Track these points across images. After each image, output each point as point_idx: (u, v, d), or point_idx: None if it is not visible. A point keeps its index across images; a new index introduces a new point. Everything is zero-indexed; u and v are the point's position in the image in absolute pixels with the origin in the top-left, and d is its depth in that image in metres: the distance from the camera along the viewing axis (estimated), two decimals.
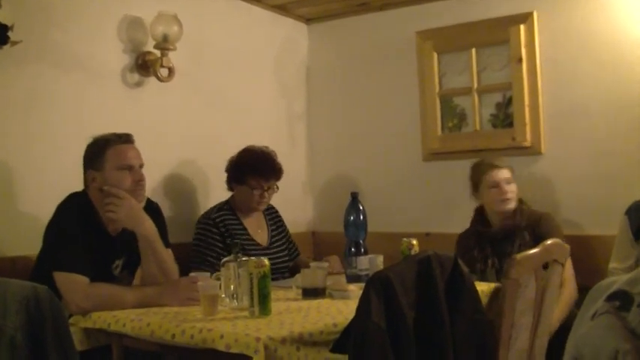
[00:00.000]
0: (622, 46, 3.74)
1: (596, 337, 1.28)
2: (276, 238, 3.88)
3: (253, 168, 3.68)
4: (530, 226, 3.58)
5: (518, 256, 2.71)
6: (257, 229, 3.81)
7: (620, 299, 1.31)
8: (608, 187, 3.78)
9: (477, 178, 3.70)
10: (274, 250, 3.79)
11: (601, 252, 3.56)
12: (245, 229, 3.74)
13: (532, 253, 2.79)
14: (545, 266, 2.91)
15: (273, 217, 3.95)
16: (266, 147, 3.81)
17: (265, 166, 3.70)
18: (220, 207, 3.75)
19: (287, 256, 3.88)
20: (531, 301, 2.80)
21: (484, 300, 2.81)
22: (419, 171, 4.45)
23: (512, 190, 3.63)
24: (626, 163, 3.72)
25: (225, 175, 3.81)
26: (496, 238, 3.63)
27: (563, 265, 3.00)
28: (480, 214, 3.76)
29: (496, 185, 3.62)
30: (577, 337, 1.33)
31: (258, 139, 3.92)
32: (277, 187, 3.77)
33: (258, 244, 3.75)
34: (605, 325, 1.29)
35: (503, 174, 3.64)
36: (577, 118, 3.89)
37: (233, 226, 3.70)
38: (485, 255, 3.64)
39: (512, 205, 3.62)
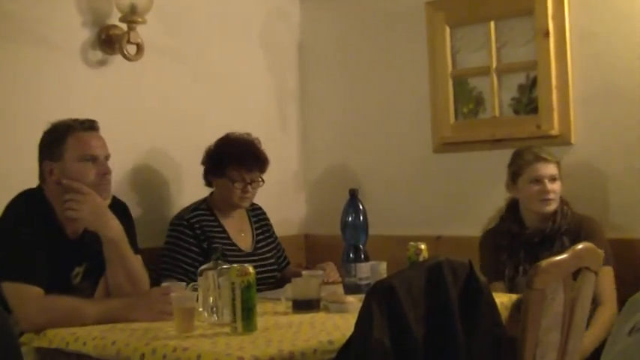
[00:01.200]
0: None
1: (635, 356, 1.29)
2: (262, 243, 3.88)
3: (234, 157, 3.69)
4: (571, 231, 3.58)
5: (544, 262, 2.71)
6: (239, 231, 3.82)
7: None
8: None
9: (518, 167, 3.67)
10: (259, 256, 3.79)
11: None
12: (225, 231, 3.75)
13: (560, 260, 2.80)
14: (575, 275, 2.92)
15: (258, 218, 3.95)
16: (248, 134, 3.81)
17: (247, 155, 3.71)
18: (196, 206, 3.75)
19: (274, 264, 3.88)
20: (559, 315, 2.81)
21: (504, 313, 2.83)
22: (429, 164, 4.45)
23: (555, 189, 3.61)
24: None
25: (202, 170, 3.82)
26: (532, 241, 3.63)
27: (596, 273, 3.01)
28: (513, 209, 3.74)
29: (539, 181, 3.61)
30: (612, 355, 1.33)
31: (243, 123, 3.93)
32: (262, 181, 3.77)
33: (241, 250, 3.75)
34: None
35: (550, 169, 3.63)
36: (614, 102, 3.89)
37: (211, 228, 3.70)
38: (516, 260, 3.64)
39: (552, 206, 3.61)
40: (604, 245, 3.38)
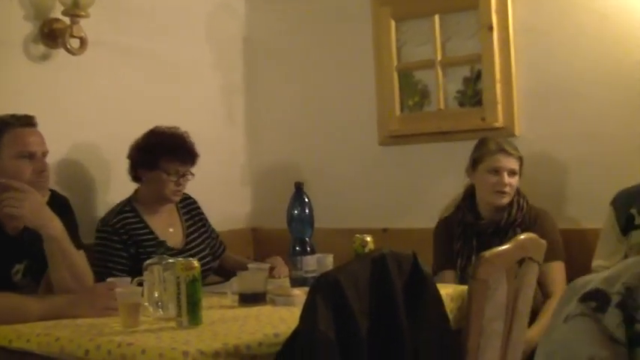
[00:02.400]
0: (609, 14, 3.78)
1: (570, 342, 1.31)
2: (194, 236, 3.81)
3: (167, 149, 3.64)
4: (525, 223, 3.61)
5: (487, 253, 2.75)
6: (167, 228, 3.73)
7: (597, 299, 1.34)
8: (594, 174, 3.82)
9: (480, 155, 3.69)
10: (192, 252, 3.71)
11: (591, 248, 3.55)
12: (152, 232, 3.65)
13: (503, 250, 2.83)
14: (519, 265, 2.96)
15: (189, 209, 3.88)
16: (176, 127, 3.75)
17: (181, 148, 3.68)
18: (120, 209, 3.67)
19: (210, 256, 3.84)
20: (503, 305, 2.84)
21: (450, 305, 2.85)
22: (375, 157, 4.47)
23: (512, 183, 3.64)
24: (614, 147, 3.77)
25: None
26: (485, 232, 3.66)
27: (539, 263, 3.05)
28: (469, 199, 3.76)
29: (497, 172, 3.63)
30: (548, 343, 1.36)
31: (190, 118, 3.93)
32: (192, 175, 3.74)
33: (170, 248, 3.66)
34: (579, 329, 1.31)
35: (510, 163, 3.65)
36: (556, 95, 3.94)
37: (136, 230, 3.62)
38: (469, 250, 3.67)
39: (506, 199, 3.63)
40: (556, 240, 3.44)
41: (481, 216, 3.71)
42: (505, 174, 3.63)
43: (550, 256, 3.27)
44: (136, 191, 3.74)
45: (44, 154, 3.04)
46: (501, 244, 3.31)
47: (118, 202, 3.72)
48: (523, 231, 3.52)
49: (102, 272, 3.42)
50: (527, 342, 3.13)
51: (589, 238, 3.66)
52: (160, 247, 2.87)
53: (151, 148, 3.67)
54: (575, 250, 3.70)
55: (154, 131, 3.73)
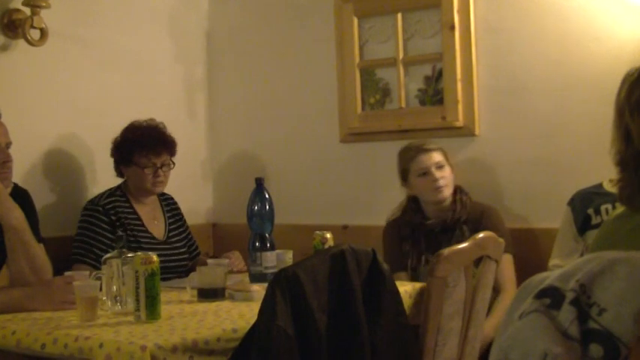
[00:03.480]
0: (569, 16, 3.82)
1: (524, 339, 1.33)
2: (175, 232, 3.89)
3: (140, 143, 3.68)
4: (471, 220, 3.65)
5: (446, 251, 2.77)
6: (153, 219, 3.82)
7: (551, 296, 1.36)
8: (553, 174, 3.85)
9: (405, 165, 3.75)
10: (172, 245, 3.82)
11: (549, 247, 3.62)
12: (140, 218, 3.75)
13: (461, 248, 2.86)
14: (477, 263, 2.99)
15: (170, 207, 3.96)
16: (152, 119, 3.80)
17: (153, 139, 3.71)
18: (111, 192, 3.75)
19: (186, 253, 3.89)
20: (460, 302, 2.87)
21: (408, 302, 2.87)
22: (335, 154, 4.48)
23: (445, 175, 3.68)
24: (572, 148, 3.81)
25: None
26: (433, 231, 3.69)
27: (497, 261, 3.09)
28: (414, 201, 3.80)
29: (426, 172, 3.67)
30: (504, 339, 1.38)
31: (151, 111, 3.91)
32: (173, 163, 3.78)
33: (154, 237, 3.75)
34: (533, 325, 1.33)
35: (434, 158, 3.69)
36: (517, 95, 3.97)
37: (125, 214, 3.70)
38: (419, 250, 3.70)
39: (446, 192, 3.67)
40: (504, 233, 3.46)
41: (427, 217, 3.75)
42: (434, 170, 3.68)
43: None
44: (124, 182, 3.82)
45: (7, 145, 3.02)
46: (450, 242, 3.37)
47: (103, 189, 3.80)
48: (470, 227, 3.57)
49: (83, 253, 3.50)
50: (481, 337, 3.16)
51: (544, 237, 3.72)
52: (120, 241, 2.85)
53: (125, 144, 3.73)
54: (526, 249, 3.75)
55: (129, 126, 3.79)
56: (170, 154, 3.76)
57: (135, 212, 3.75)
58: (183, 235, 3.94)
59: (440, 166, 3.69)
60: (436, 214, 3.71)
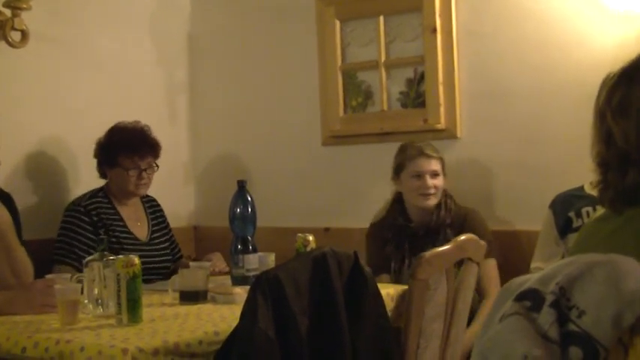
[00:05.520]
0: (550, 20, 3.84)
1: (504, 341, 1.34)
2: (158, 234, 3.90)
3: (124, 145, 3.69)
4: (455, 223, 3.65)
5: (427, 253, 2.78)
6: (136, 221, 3.83)
7: (531, 299, 1.37)
8: (535, 177, 3.87)
9: (402, 161, 3.74)
10: (155, 246, 3.83)
11: (531, 249, 3.62)
12: (122, 219, 3.76)
13: (443, 250, 2.87)
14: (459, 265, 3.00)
15: (154, 209, 3.97)
16: (137, 121, 3.81)
17: (138, 142, 3.72)
18: (94, 193, 3.75)
19: (170, 255, 3.89)
20: (442, 305, 2.88)
21: (390, 304, 2.88)
22: (317, 156, 4.48)
23: (437, 184, 3.68)
24: (554, 150, 3.83)
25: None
26: (416, 234, 3.70)
27: (478, 264, 3.10)
28: (398, 203, 3.81)
29: (420, 176, 3.67)
30: (484, 341, 1.38)
31: (132, 114, 3.90)
32: (157, 166, 3.78)
33: (137, 239, 3.75)
34: (513, 327, 1.34)
35: (432, 165, 3.69)
36: (499, 99, 3.98)
37: (108, 215, 3.70)
38: (402, 253, 3.70)
39: (433, 201, 3.68)
40: (487, 237, 3.47)
41: (411, 219, 3.76)
42: (428, 177, 3.68)
43: None
44: (107, 183, 3.81)
45: None
46: (433, 245, 3.37)
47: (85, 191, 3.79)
48: (453, 231, 3.57)
49: (64, 253, 3.52)
50: (466, 343, 3.17)
51: (526, 240, 3.73)
52: (102, 244, 2.85)
53: (110, 146, 3.74)
54: (509, 252, 3.77)
55: (114, 128, 3.79)
56: (154, 156, 3.77)
57: (117, 213, 3.75)
58: (167, 237, 3.95)
59: (435, 175, 3.69)
60: (420, 217, 3.72)
